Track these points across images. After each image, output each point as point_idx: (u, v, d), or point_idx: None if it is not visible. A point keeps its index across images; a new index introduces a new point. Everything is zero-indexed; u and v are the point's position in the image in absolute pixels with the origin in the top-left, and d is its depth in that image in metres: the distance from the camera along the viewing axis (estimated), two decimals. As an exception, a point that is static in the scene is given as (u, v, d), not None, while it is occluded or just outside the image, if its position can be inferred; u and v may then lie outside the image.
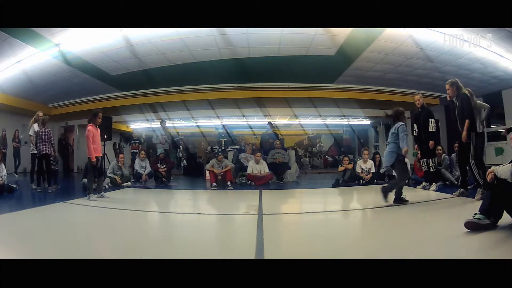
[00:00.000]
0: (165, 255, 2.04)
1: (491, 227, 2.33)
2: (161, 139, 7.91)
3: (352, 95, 9.44)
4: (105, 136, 4.91)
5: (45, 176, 5.33)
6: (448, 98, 4.17)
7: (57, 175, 5.91)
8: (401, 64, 7.43)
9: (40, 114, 5.60)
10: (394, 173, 4.03)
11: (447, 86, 4.07)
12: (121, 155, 6.69)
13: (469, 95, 3.95)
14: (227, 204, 4.55)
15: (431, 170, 5.00)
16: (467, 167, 4.01)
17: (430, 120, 4.84)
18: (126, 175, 6.54)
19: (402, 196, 3.70)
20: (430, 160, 4.98)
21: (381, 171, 6.25)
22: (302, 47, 6.63)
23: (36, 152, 5.37)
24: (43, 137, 5.30)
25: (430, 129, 4.82)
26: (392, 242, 2.31)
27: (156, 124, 9.57)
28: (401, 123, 3.72)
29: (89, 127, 4.52)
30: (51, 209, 3.84)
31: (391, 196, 3.65)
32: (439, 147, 5.49)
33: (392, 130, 3.78)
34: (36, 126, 5.51)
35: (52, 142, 5.47)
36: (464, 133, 3.84)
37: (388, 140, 3.83)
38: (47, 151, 5.29)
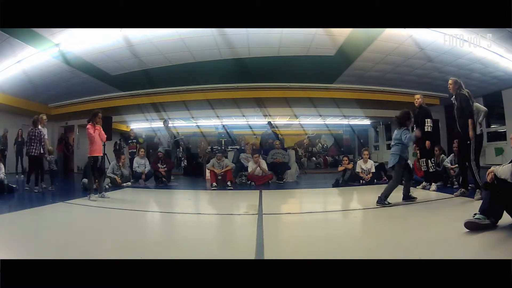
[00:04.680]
0: (165, 255, 2.03)
1: (491, 227, 2.33)
2: (162, 140, 7.89)
3: (352, 95, 9.44)
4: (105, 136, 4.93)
5: (38, 176, 5.33)
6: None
7: (54, 175, 5.89)
8: (401, 64, 7.43)
9: (38, 116, 5.55)
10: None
11: (450, 81, 4.13)
12: (122, 156, 6.71)
13: (467, 95, 3.98)
14: (227, 204, 4.55)
15: (431, 170, 5.00)
16: (467, 167, 4.02)
17: (426, 120, 4.82)
18: (126, 175, 6.54)
19: (410, 194, 3.84)
20: (429, 160, 4.98)
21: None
22: (302, 47, 6.62)
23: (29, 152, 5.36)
24: (33, 137, 5.28)
25: (426, 129, 4.79)
26: (392, 242, 2.31)
27: (156, 124, 9.55)
28: (406, 129, 3.73)
29: (87, 126, 4.58)
30: (51, 209, 3.85)
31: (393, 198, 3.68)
32: (437, 148, 5.47)
33: (396, 134, 3.80)
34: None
35: (42, 143, 5.41)
36: (471, 132, 3.85)
37: (392, 143, 3.89)
38: (35, 153, 5.28)
